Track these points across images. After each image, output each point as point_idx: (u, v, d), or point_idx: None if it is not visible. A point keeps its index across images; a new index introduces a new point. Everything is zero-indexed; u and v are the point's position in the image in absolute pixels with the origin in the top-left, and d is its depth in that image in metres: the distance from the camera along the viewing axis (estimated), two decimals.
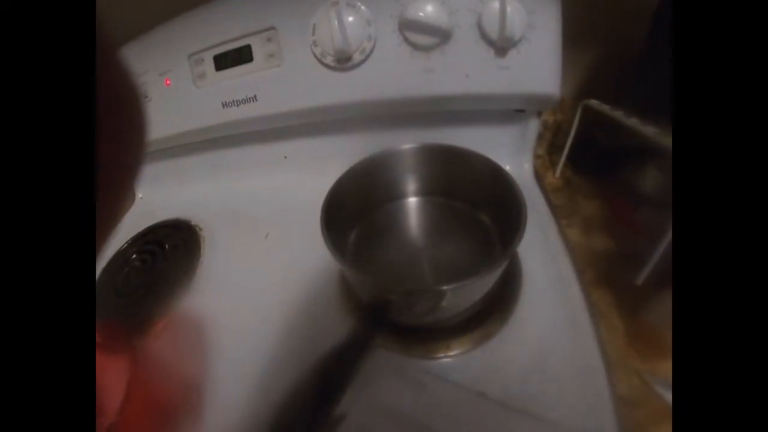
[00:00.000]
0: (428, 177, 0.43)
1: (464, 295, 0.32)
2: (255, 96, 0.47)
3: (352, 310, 0.38)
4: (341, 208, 0.38)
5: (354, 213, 0.42)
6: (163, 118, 0.51)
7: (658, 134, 0.36)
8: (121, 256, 0.58)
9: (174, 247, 0.57)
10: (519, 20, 0.39)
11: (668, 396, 0.31)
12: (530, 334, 0.35)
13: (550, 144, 0.52)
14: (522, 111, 0.46)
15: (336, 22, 0.41)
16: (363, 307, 0.36)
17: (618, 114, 0.40)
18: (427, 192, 0.44)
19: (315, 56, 0.44)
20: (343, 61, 0.43)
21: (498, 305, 0.36)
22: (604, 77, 0.47)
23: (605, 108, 0.41)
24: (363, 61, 0.43)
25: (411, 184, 0.44)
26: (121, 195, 0.18)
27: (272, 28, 0.45)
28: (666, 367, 0.32)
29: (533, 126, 0.47)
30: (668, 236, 0.33)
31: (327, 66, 0.44)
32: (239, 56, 0.46)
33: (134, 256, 0.58)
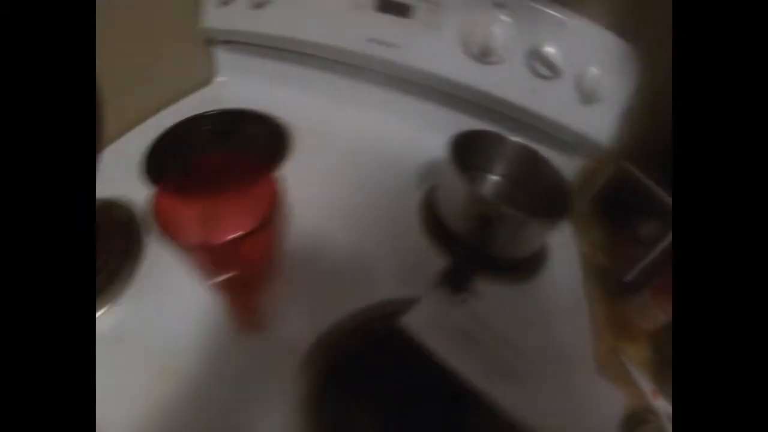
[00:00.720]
0: (508, 166, 0.56)
1: (532, 237, 0.45)
2: (400, 45, 0.56)
3: (434, 235, 0.49)
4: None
5: None
6: (303, 22, 0.58)
7: None
8: (190, 123, 0.60)
9: (256, 136, 0.61)
10: (607, 87, 0.55)
11: (631, 368, 0.45)
12: (546, 292, 0.48)
13: (582, 181, 0.67)
14: (574, 148, 0.61)
15: (492, 25, 0.53)
16: (451, 233, 0.47)
17: (646, 179, 0.56)
18: (503, 175, 0.57)
19: (461, 38, 0.55)
20: (481, 56, 0.55)
21: (530, 265, 0.49)
22: (646, 147, 0.64)
23: (637, 172, 0.57)
24: (494, 63, 0.55)
25: (495, 165, 0.56)
26: None
27: (438, 3, 0.55)
28: (631, 348, 0.47)
29: (577, 161, 0.62)
30: (647, 261, 0.50)
31: (467, 52, 0.55)
32: (400, 9, 0.56)
33: (208, 127, 0.61)
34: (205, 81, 0.71)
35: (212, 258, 0.34)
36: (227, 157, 0.42)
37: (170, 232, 0.33)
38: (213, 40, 0.69)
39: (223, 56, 0.70)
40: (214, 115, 0.63)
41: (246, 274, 0.36)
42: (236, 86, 0.69)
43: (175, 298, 0.41)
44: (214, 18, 0.64)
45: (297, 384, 0.36)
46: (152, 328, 0.39)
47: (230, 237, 0.33)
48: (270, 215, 0.36)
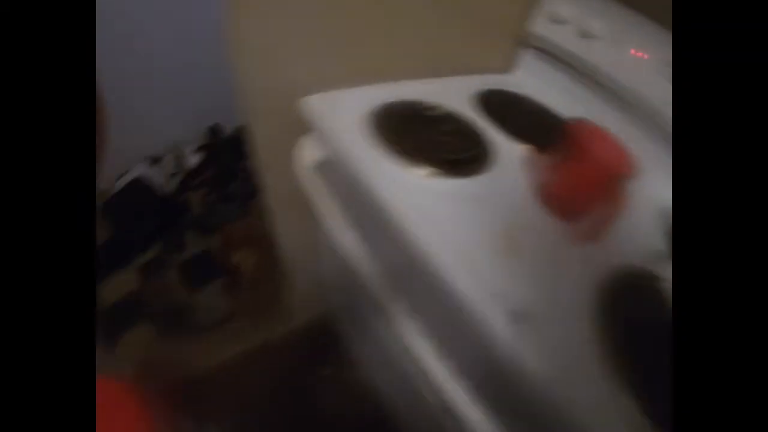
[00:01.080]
0: None
1: None
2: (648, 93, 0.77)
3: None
4: None
5: None
6: (614, 63, 0.79)
7: None
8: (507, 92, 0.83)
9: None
10: None
11: None
12: None
13: None
14: None
15: None
16: None
17: None
18: None
19: None
20: None
21: None
22: None
23: None
24: None
25: None
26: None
27: None
28: None
29: None
30: None
31: None
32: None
33: (522, 101, 0.83)
34: (503, 70, 0.93)
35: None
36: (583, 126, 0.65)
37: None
38: (525, 41, 0.90)
39: (525, 56, 0.92)
40: (526, 98, 0.86)
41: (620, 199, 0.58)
42: (527, 83, 0.91)
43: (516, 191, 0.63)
44: (542, 28, 0.86)
45: (596, 294, 0.57)
46: (500, 202, 0.60)
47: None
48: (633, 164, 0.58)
